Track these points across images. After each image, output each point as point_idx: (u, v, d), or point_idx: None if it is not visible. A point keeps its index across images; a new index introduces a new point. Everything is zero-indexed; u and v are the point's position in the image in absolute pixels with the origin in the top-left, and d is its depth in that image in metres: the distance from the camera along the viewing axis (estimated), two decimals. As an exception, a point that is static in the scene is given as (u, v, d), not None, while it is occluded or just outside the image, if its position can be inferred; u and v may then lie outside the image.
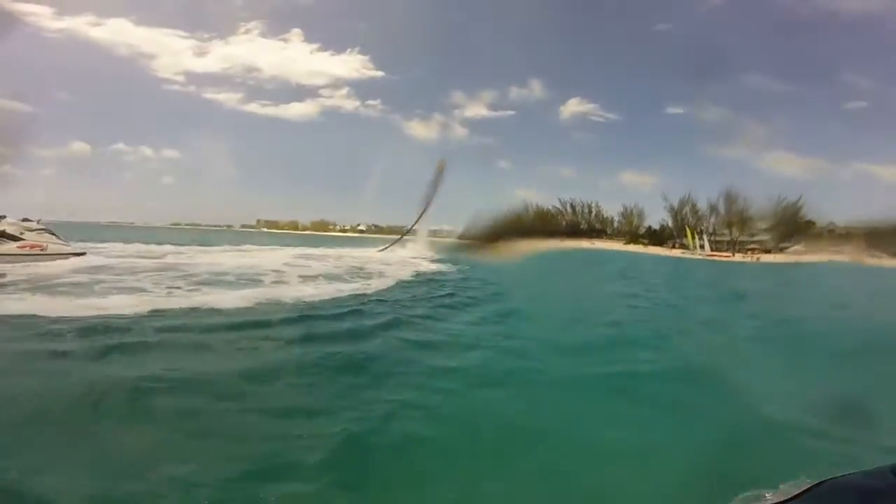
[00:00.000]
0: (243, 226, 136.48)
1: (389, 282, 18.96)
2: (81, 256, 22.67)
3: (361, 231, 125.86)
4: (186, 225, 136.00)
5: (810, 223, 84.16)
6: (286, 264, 21.82)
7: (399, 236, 35.80)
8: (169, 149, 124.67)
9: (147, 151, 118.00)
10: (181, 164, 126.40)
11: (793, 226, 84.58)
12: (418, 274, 22.51)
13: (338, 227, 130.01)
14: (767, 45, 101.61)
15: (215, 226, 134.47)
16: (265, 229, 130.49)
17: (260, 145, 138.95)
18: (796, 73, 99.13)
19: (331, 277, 19.04)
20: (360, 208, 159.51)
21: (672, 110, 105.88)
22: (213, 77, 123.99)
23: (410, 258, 26.26)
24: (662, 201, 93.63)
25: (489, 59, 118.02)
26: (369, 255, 27.47)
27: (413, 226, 34.69)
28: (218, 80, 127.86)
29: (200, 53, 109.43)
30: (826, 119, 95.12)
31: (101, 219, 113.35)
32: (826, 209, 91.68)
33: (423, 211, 33.69)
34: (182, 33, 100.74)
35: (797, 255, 75.33)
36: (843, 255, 68.91)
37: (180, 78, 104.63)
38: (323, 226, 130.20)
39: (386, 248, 31.74)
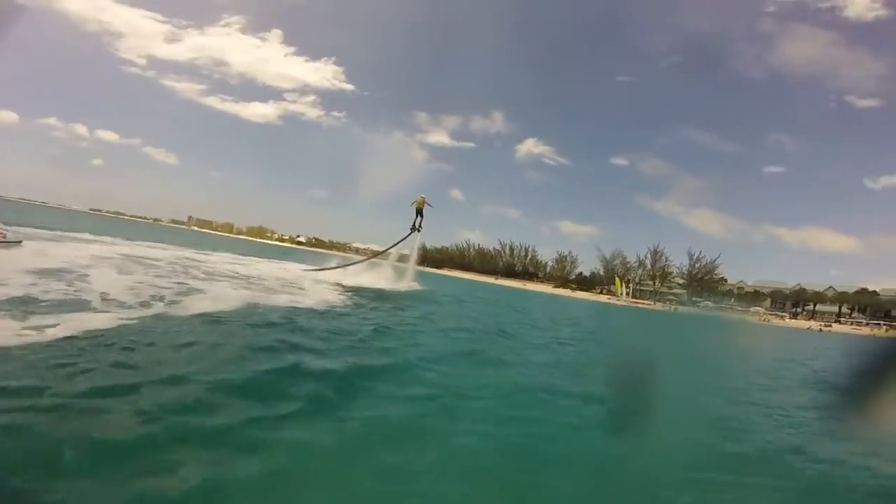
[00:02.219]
0: (173, 221, 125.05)
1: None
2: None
3: (300, 242, 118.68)
4: (108, 212, 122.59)
5: (722, 281, 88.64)
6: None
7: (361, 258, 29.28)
8: (106, 130, 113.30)
9: (80, 130, 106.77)
10: (117, 147, 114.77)
11: (705, 283, 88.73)
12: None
13: (276, 236, 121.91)
14: (715, 101, 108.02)
15: (141, 217, 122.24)
16: (196, 228, 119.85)
17: (209, 140, 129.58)
18: (733, 132, 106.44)
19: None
20: (304, 219, 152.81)
21: (617, 161, 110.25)
22: (178, 65, 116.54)
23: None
24: (597, 251, 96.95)
25: (458, 88, 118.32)
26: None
27: (387, 249, 29.09)
28: (182, 68, 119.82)
29: (171, 40, 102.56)
30: (748, 180, 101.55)
31: (11, 193, 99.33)
32: (739, 269, 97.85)
33: (396, 243, 28.30)
34: (160, 17, 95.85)
35: (707, 310, 77.92)
36: (749, 316, 71.90)
37: (142, 61, 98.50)
38: (261, 232, 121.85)
39: (321, 269, 24.75)
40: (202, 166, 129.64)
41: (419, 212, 26.31)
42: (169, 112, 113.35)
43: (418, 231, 26.59)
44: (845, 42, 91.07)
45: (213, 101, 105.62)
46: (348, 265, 25.33)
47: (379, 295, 17.38)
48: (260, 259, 25.90)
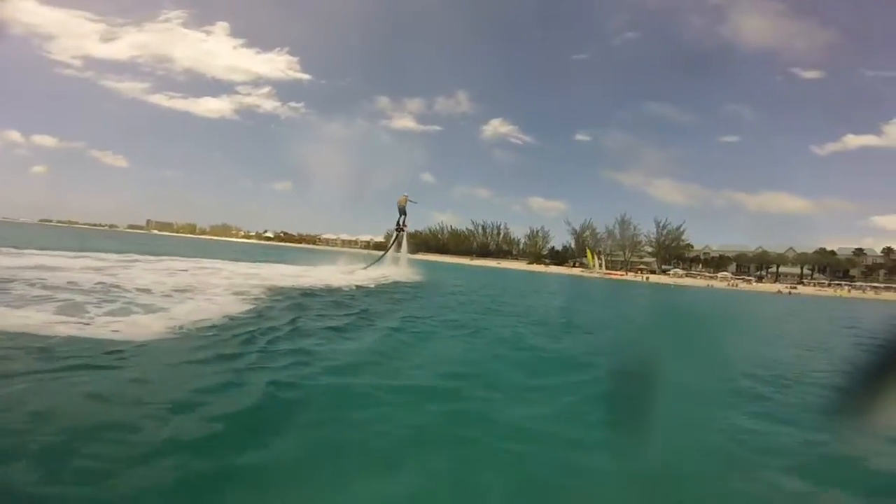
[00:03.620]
0: (130, 226, 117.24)
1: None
2: None
3: (269, 238, 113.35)
4: (59, 222, 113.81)
5: (689, 247, 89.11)
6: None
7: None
8: (43, 135, 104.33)
9: (14, 136, 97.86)
10: (57, 152, 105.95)
11: (673, 250, 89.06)
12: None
13: (242, 233, 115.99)
14: (670, 74, 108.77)
15: (95, 224, 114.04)
16: (156, 231, 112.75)
17: (159, 139, 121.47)
18: (690, 102, 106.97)
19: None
20: (269, 213, 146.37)
21: (580, 137, 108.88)
22: (117, 64, 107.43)
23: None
24: (566, 225, 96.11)
25: (419, 71, 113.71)
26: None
27: (382, 256, 27.38)
28: (122, 67, 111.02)
29: (108, 39, 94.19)
30: (707, 149, 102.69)
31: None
32: (703, 234, 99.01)
33: (389, 246, 27.07)
34: (92, 16, 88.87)
35: (677, 277, 77.93)
36: (718, 282, 72.08)
37: (77, 62, 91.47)
38: (225, 230, 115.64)
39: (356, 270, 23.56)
40: (155, 167, 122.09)
41: (402, 210, 25.45)
42: (112, 113, 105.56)
43: (404, 229, 25.75)
44: (790, 14, 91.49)
45: (160, 99, 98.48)
46: (374, 263, 24.72)
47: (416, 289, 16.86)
48: (278, 264, 22.72)
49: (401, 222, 25.84)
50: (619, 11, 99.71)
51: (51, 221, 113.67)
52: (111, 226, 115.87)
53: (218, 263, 17.80)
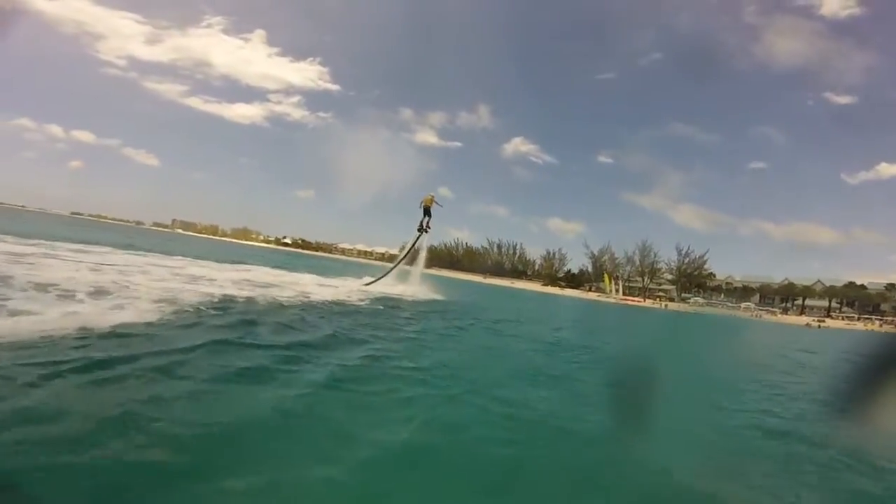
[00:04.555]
0: (155, 224, 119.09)
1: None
2: None
3: (286, 244, 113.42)
4: (89, 216, 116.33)
5: (710, 276, 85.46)
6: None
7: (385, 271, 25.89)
8: (82, 131, 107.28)
9: (55, 130, 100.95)
10: (94, 148, 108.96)
11: (694, 279, 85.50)
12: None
13: (261, 238, 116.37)
14: (698, 95, 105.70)
15: (123, 220, 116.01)
16: (180, 231, 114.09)
17: (191, 141, 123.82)
18: (717, 124, 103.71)
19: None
20: (289, 220, 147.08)
21: (602, 158, 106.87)
22: (159, 66, 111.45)
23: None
24: (584, 248, 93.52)
25: (444, 85, 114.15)
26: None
27: (402, 257, 25.72)
28: (164, 70, 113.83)
29: (152, 41, 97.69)
30: (733, 174, 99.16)
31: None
32: (726, 263, 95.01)
33: (408, 251, 25.09)
34: (140, 18, 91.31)
35: (697, 306, 74.52)
36: (741, 312, 68.49)
37: (122, 62, 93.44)
38: (245, 234, 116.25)
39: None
40: (185, 168, 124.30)
41: (427, 211, 23.68)
42: (149, 113, 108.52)
43: (426, 231, 23.91)
44: (822, 40, 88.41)
45: (196, 102, 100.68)
46: (382, 276, 22.98)
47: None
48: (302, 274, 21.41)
49: (424, 223, 23.82)
50: (647, 31, 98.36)
51: (82, 215, 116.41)
52: (137, 222, 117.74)
53: (199, 264, 16.30)
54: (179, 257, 18.36)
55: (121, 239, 27.32)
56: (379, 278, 22.56)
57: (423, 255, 24.95)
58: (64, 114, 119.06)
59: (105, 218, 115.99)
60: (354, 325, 9.33)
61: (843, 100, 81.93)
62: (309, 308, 10.58)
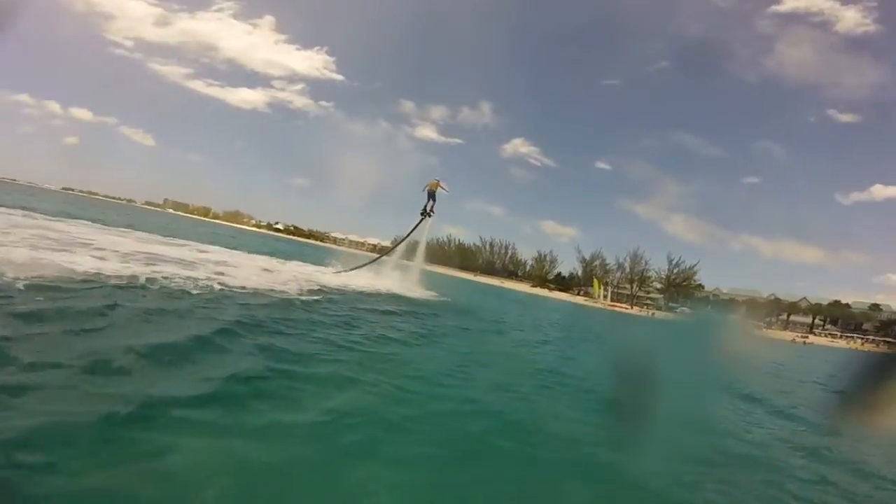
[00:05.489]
0: (147, 202, 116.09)
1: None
2: None
3: (278, 230, 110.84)
4: (80, 192, 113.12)
5: (699, 287, 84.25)
6: None
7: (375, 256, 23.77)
8: (80, 108, 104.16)
9: (53, 107, 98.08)
10: (91, 126, 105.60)
11: (683, 289, 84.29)
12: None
13: (253, 222, 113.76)
14: (701, 104, 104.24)
15: (114, 198, 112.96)
16: (171, 210, 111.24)
17: (190, 123, 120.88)
18: (719, 135, 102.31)
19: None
20: (284, 206, 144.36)
21: (601, 165, 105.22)
22: (166, 48, 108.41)
23: None
24: (576, 252, 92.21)
25: (447, 78, 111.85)
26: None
27: (402, 240, 24.31)
28: (170, 52, 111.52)
29: (162, 24, 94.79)
30: (728, 187, 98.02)
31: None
32: (715, 275, 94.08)
33: (409, 232, 23.23)
34: (152, 0, 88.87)
35: (683, 315, 73.12)
36: (727, 324, 67.19)
37: (129, 43, 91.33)
38: (237, 217, 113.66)
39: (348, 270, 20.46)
40: (181, 149, 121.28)
41: (431, 195, 22.11)
42: (150, 94, 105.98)
43: (430, 216, 22.26)
44: (833, 55, 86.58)
45: (199, 85, 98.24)
46: (363, 265, 21.31)
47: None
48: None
49: (428, 207, 22.14)
50: (656, 38, 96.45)
51: (73, 190, 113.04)
52: (129, 200, 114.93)
53: (139, 237, 14.23)
54: (124, 229, 16.34)
55: (76, 210, 25.03)
56: (357, 267, 20.61)
57: (422, 247, 23.08)
58: (64, 91, 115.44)
59: (96, 194, 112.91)
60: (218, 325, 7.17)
61: (846, 118, 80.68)
62: (203, 298, 8.30)
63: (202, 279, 9.47)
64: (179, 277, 9.05)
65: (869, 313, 75.17)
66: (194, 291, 8.21)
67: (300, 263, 20.24)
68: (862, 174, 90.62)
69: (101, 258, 9.46)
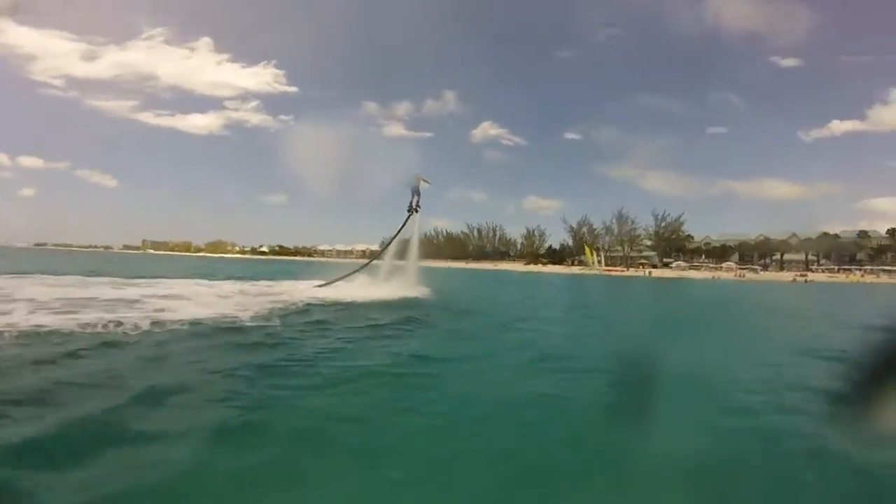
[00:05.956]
0: (126, 247, 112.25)
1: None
2: None
3: (264, 252, 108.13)
4: (54, 245, 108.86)
5: (689, 238, 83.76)
6: None
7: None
8: (30, 157, 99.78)
9: (0, 159, 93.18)
10: (45, 174, 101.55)
11: (673, 242, 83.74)
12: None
13: (237, 249, 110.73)
14: (657, 66, 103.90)
15: (90, 247, 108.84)
16: (151, 251, 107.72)
17: (148, 158, 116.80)
18: (678, 92, 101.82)
19: None
20: (265, 227, 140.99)
21: (570, 136, 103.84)
22: (101, 83, 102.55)
23: None
24: (563, 223, 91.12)
25: (406, 74, 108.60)
26: None
27: (391, 240, 21.94)
28: (106, 86, 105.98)
29: (89, 58, 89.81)
30: (697, 139, 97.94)
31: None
32: (702, 224, 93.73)
33: (398, 231, 21.82)
34: (71, 36, 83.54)
35: (680, 270, 72.53)
36: (724, 273, 66.62)
37: (59, 82, 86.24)
38: (220, 247, 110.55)
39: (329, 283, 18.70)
40: (145, 185, 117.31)
41: (415, 191, 21.43)
42: (99, 132, 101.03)
43: (417, 211, 21.34)
44: (764, 7, 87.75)
45: (147, 117, 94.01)
46: (349, 275, 19.91)
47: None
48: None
49: (414, 203, 21.32)
50: (600, 8, 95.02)
51: (45, 245, 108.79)
52: (106, 247, 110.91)
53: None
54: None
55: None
56: (340, 278, 18.89)
57: (414, 244, 21.46)
58: (5, 140, 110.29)
59: (71, 246, 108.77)
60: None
61: (788, 63, 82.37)
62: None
63: (141, 317, 7.71)
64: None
65: (859, 241, 75.18)
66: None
67: (288, 282, 18.45)
68: (818, 113, 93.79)
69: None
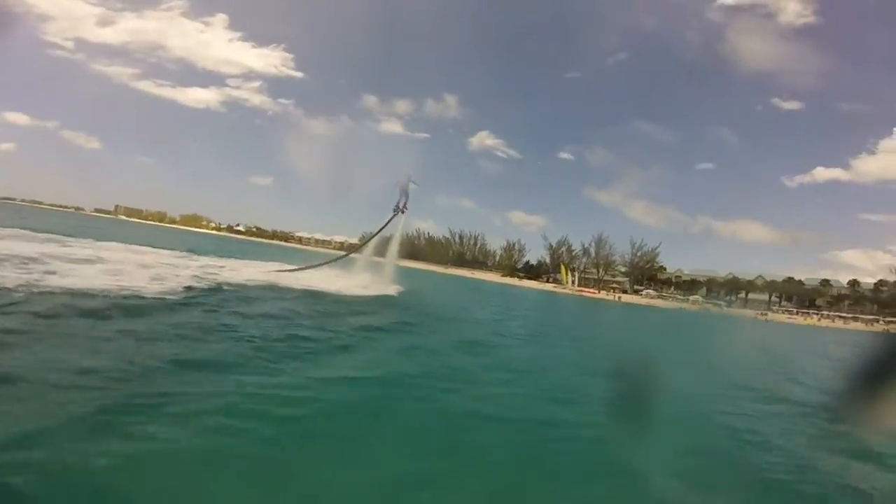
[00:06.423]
0: (97, 210, 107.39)
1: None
2: None
3: (240, 232, 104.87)
4: (23, 201, 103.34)
5: (661, 269, 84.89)
6: None
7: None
8: (15, 113, 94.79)
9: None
10: (29, 131, 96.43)
11: (646, 272, 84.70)
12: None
13: (212, 225, 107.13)
14: (660, 93, 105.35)
15: (61, 206, 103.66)
16: (123, 217, 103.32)
17: (139, 125, 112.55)
18: (677, 123, 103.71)
19: None
20: (245, 207, 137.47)
21: (564, 155, 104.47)
22: (110, 49, 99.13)
23: None
24: (543, 241, 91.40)
25: (410, 72, 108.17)
26: None
27: (371, 237, 22.36)
28: (114, 52, 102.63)
29: (105, 23, 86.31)
30: (685, 174, 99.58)
31: None
32: (676, 258, 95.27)
33: (381, 228, 21.54)
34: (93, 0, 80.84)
35: (649, 298, 73.26)
36: (690, 305, 67.53)
37: (69, 44, 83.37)
38: (195, 220, 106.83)
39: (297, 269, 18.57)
40: (130, 151, 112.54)
41: (404, 192, 21.61)
42: (94, 96, 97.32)
43: (403, 212, 21.45)
44: (790, 37, 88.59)
45: (147, 86, 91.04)
46: (324, 264, 19.76)
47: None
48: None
49: (401, 204, 21.23)
50: (614, 31, 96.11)
51: (13, 200, 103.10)
52: (77, 208, 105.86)
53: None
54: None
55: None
56: (310, 266, 18.63)
57: (395, 243, 21.40)
58: None
59: (40, 203, 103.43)
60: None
61: (790, 105, 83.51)
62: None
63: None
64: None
65: (821, 289, 77.44)
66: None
67: (247, 261, 17.44)
68: (805, 158, 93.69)
69: None
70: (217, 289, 9.56)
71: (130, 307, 6.65)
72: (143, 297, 7.21)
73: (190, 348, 5.01)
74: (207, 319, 6.48)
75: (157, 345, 4.89)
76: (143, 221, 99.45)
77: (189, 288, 9.00)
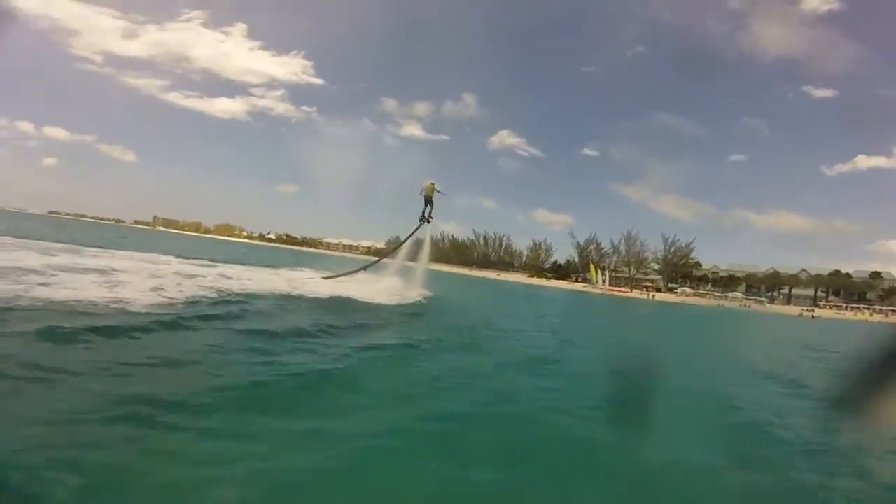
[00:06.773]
0: (137, 222, 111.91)
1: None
2: None
3: (271, 240, 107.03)
4: (68, 214, 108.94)
5: (697, 265, 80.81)
6: None
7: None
8: (54, 128, 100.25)
9: (25, 127, 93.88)
10: (68, 145, 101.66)
11: (681, 268, 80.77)
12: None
13: (245, 234, 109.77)
14: (683, 84, 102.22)
15: (103, 219, 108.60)
16: (161, 228, 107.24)
17: (171, 137, 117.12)
18: (703, 115, 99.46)
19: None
20: (273, 215, 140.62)
21: (588, 151, 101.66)
22: (137, 62, 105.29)
23: None
24: (571, 239, 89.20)
25: (429, 74, 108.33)
26: None
27: (398, 245, 22.69)
28: (142, 65, 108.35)
29: (129, 36, 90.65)
30: (715, 166, 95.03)
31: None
32: (711, 253, 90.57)
33: (407, 238, 22.03)
34: (116, 13, 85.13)
35: (685, 296, 69.59)
36: (729, 302, 63.65)
37: (98, 58, 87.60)
38: (228, 230, 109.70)
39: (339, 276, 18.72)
40: (164, 163, 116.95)
41: (428, 200, 21.10)
42: (127, 108, 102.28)
43: (428, 222, 21.19)
44: (813, 23, 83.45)
45: (176, 97, 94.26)
46: (359, 270, 19.98)
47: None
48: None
49: (426, 213, 20.84)
50: (632, 24, 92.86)
51: (59, 214, 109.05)
52: (117, 220, 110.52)
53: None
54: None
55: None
56: (351, 272, 18.58)
57: (426, 248, 21.18)
58: (35, 110, 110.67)
59: (85, 216, 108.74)
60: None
61: (822, 93, 79.59)
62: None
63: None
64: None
65: (871, 282, 71.82)
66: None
67: (292, 270, 17.44)
68: (844, 146, 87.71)
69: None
70: (221, 300, 8.74)
71: (106, 323, 5.76)
72: (130, 312, 6.40)
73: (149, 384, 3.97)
74: (191, 341, 5.52)
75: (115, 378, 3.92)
76: (181, 232, 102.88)
77: (193, 302, 8.17)
